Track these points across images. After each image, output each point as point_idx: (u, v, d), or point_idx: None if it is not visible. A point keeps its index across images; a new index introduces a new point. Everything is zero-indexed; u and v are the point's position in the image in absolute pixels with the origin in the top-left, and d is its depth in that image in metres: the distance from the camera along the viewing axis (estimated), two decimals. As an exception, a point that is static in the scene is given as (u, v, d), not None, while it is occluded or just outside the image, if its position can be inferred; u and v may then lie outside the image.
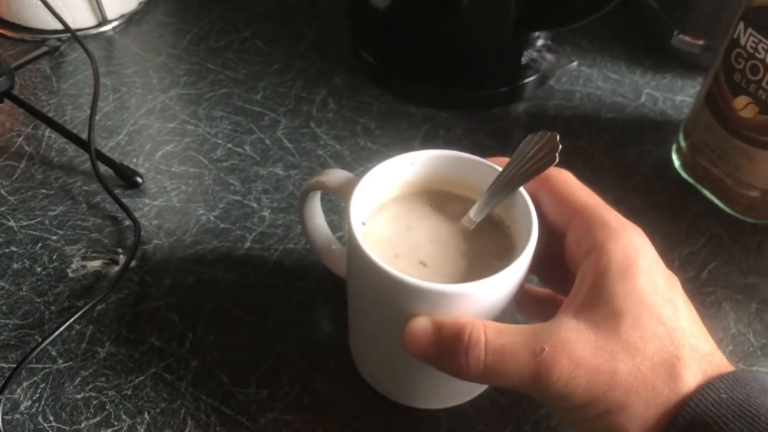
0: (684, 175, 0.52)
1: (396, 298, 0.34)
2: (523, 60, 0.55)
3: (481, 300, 0.33)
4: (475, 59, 0.54)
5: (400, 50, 0.56)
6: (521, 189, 0.36)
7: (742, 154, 0.46)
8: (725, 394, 0.29)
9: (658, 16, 0.59)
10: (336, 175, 0.39)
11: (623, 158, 0.54)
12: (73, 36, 0.59)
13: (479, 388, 0.41)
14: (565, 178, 0.37)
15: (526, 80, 0.56)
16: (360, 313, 0.39)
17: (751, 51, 0.43)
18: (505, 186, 0.37)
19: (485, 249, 0.37)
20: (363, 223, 0.37)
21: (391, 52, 0.57)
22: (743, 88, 0.44)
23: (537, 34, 0.54)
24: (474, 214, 0.38)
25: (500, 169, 0.37)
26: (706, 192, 0.50)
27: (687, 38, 0.57)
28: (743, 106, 0.45)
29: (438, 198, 0.39)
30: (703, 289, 0.46)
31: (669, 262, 0.47)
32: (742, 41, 0.43)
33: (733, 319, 0.44)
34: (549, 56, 0.54)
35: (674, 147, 0.53)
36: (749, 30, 0.43)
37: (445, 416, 0.40)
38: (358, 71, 0.59)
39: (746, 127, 0.45)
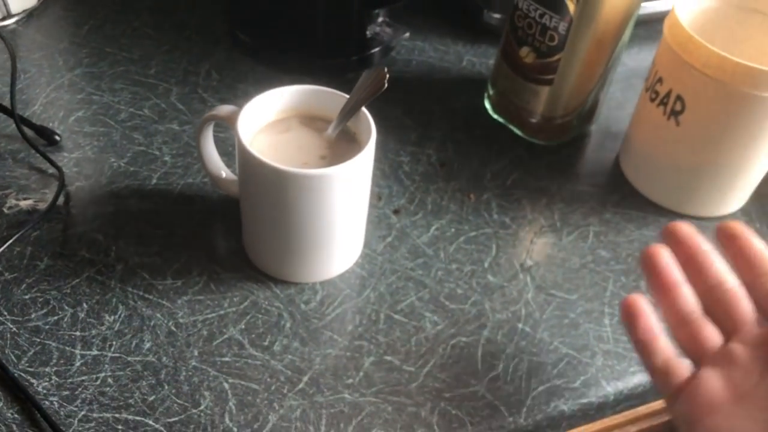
0: (494, 115, 0.67)
1: (283, 189, 0.47)
2: (369, 34, 0.69)
3: (341, 181, 0.47)
4: (329, 34, 0.68)
5: (269, 29, 0.69)
6: (364, 108, 0.50)
7: (530, 92, 0.62)
8: None
9: (471, -2, 0.76)
10: (225, 108, 0.51)
11: (449, 106, 0.69)
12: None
13: (346, 266, 0.54)
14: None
15: (373, 51, 0.71)
16: (253, 213, 0.51)
17: (526, 12, 0.59)
18: (352, 108, 0.50)
19: (343, 152, 0.50)
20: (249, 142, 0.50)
21: (262, 31, 0.70)
22: (524, 40, 0.60)
23: (377, 11, 0.68)
24: (331, 130, 0.51)
25: (347, 96, 0.51)
26: (510, 126, 0.66)
27: (493, 14, 0.74)
28: (526, 54, 0.61)
29: (305, 120, 0.52)
30: (509, 192, 0.61)
31: (482, 176, 0.62)
32: (520, 5, 0.59)
33: (529, 210, 0.60)
34: (388, 30, 0.69)
35: (486, 95, 0.68)
36: (523, -4, 0.59)
37: (321, 286, 0.53)
38: (235, 48, 0.71)
39: (530, 70, 0.61)
